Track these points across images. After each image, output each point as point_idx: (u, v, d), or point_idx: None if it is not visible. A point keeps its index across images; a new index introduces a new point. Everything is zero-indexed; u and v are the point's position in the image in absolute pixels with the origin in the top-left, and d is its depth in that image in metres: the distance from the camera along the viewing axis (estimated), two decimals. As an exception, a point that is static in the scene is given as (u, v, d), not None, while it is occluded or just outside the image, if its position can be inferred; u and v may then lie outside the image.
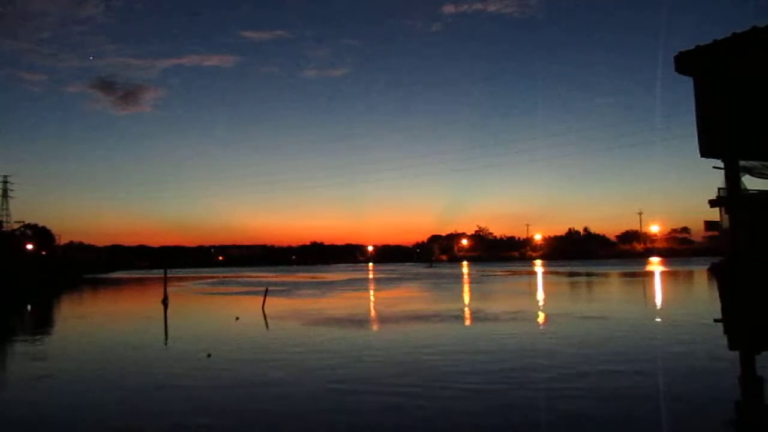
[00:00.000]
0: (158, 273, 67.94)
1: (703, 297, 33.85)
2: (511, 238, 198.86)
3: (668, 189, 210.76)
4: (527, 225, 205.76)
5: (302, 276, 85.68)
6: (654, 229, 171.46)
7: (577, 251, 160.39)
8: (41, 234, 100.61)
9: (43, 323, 30.70)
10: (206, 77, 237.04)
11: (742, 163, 9.55)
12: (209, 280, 76.88)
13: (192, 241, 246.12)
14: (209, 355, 16.48)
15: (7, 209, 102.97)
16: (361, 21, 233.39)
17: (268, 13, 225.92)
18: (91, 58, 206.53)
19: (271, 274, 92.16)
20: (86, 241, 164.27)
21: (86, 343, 20.51)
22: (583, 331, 20.00)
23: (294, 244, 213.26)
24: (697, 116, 9.73)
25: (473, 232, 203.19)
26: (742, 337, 9.01)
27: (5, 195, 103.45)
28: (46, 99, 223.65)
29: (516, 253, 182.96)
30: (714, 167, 9.81)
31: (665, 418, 9.59)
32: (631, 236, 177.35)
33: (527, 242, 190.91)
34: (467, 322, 24.19)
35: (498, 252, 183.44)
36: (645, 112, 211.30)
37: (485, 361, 14.74)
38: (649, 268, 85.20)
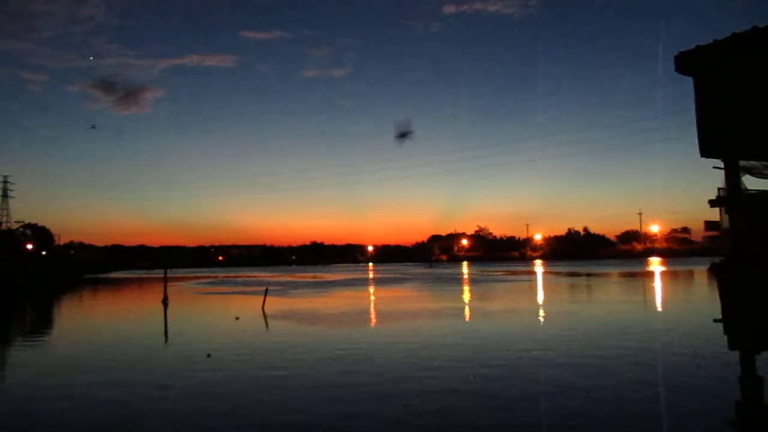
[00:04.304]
0: (158, 273, 67.92)
1: (703, 297, 33.85)
2: (511, 238, 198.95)
3: (668, 189, 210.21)
4: (527, 225, 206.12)
5: (302, 276, 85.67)
6: (654, 229, 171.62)
7: (577, 251, 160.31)
8: (41, 234, 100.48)
9: (42, 323, 30.70)
10: (206, 77, 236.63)
11: (742, 163, 9.53)
12: (209, 280, 76.87)
13: (192, 241, 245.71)
14: (209, 356, 16.48)
15: (7, 209, 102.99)
16: (361, 21, 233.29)
17: (268, 13, 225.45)
18: (92, 58, 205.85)
19: (270, 274, 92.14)
20: (86, 241, 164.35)
21: (85, 343, 20.50)
22: (583, 330, 19.99)
23: (294, 244, 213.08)
24: (697, 116, 9.72)
25: (473, 232, 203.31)
26: (742, 337, 9.00)
27: (5, 195, 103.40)
28: (47, 99, 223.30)
29: (516, 253, 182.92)
30: (714, 167, 9.79)
31: (665, 417, 9.59)
32: (631, 236, 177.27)
33: (527, 242, 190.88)
34: (461, 322, 24.20)
35: (498, 252, 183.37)
36: (645, 112, 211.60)
37: (468, 360, 14.75)
38: (649, 268, 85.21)
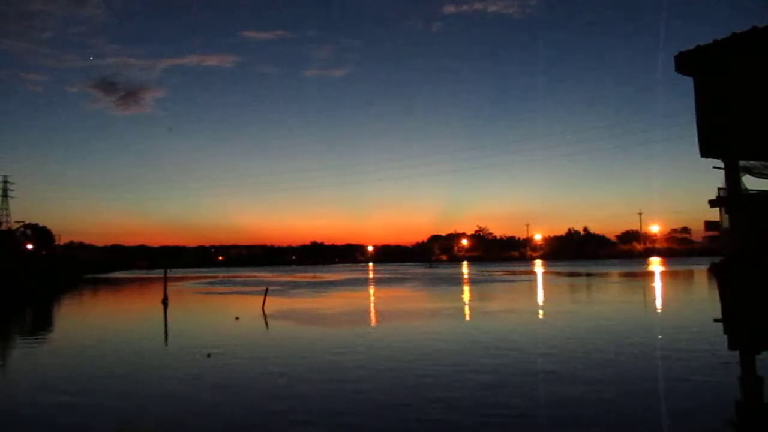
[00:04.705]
0: (158, 273, 67.93)
1: (703, 297, 33.84)
2: (511, 238, 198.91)
3: (668, 189, 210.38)
4: (527, 225, 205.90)
5: (302, 276, 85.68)
6: (654, 229, 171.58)
7: (577, 251, 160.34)
8: (41, 234, 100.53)
9: (43, 323, 30.70)
10: (206, 77, 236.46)
11: (742, 163, 9.53)
12: (209, 280, 76.86)
13: (192, 241, 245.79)
14: (209, 355, 16.48)
15: (7, 209, 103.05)
16: (361, 21, 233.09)
17: (268, 13, 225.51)
18: (92, 58, 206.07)
19: (270, 274, 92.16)
20: (86, 241, 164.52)
21: (86, 343, 20.49)
22: (582, 329, 19.98)
23: (294, 244, 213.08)
24: (697, 116, 9.71)
25: (473, 232, 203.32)
26: (742, 337, 9.00)
27: (5, 195, 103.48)
28: (47, 99, 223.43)
29: (516, 253, 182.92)
30: (714, 167, 9.79)
31: (665, 417, 9.59)
32: (631, 236, 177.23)
33: (527, 242, 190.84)
34: (461, 322, 24.18)
35: (498, 252, 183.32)
36: (645, 112, 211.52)
37: (458, 357, 14.75)
38: (649, 268, 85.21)
